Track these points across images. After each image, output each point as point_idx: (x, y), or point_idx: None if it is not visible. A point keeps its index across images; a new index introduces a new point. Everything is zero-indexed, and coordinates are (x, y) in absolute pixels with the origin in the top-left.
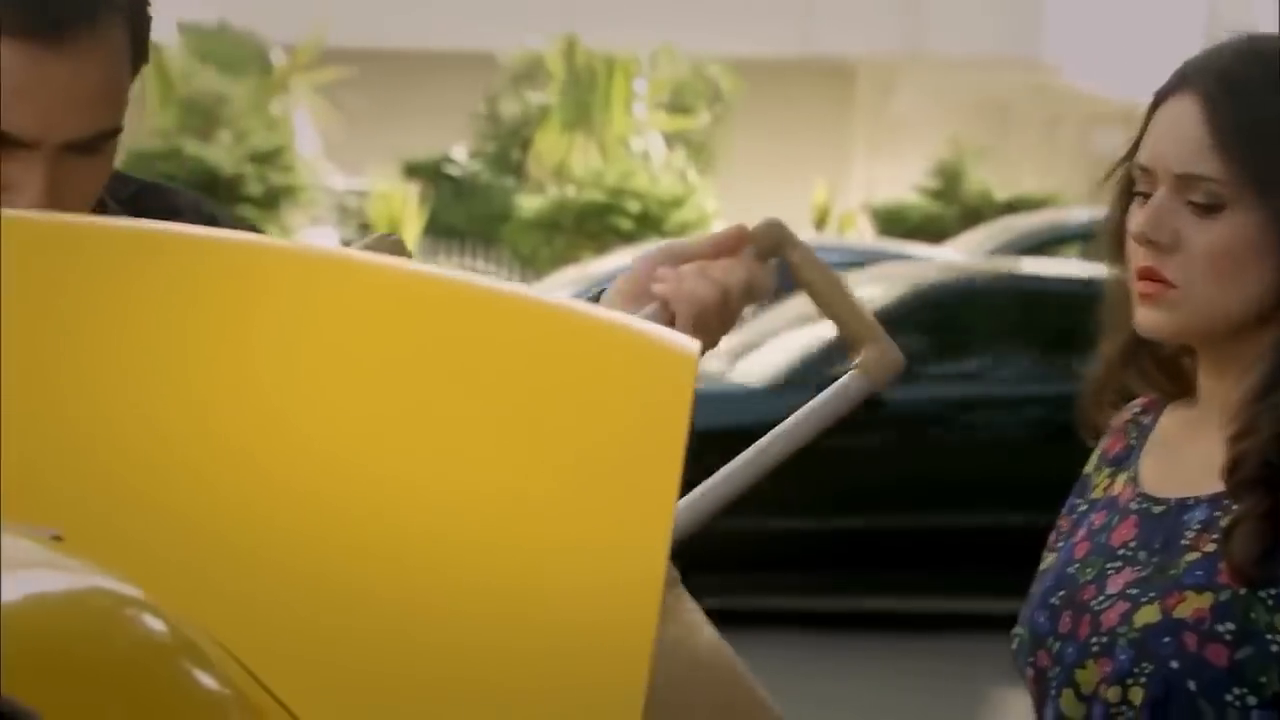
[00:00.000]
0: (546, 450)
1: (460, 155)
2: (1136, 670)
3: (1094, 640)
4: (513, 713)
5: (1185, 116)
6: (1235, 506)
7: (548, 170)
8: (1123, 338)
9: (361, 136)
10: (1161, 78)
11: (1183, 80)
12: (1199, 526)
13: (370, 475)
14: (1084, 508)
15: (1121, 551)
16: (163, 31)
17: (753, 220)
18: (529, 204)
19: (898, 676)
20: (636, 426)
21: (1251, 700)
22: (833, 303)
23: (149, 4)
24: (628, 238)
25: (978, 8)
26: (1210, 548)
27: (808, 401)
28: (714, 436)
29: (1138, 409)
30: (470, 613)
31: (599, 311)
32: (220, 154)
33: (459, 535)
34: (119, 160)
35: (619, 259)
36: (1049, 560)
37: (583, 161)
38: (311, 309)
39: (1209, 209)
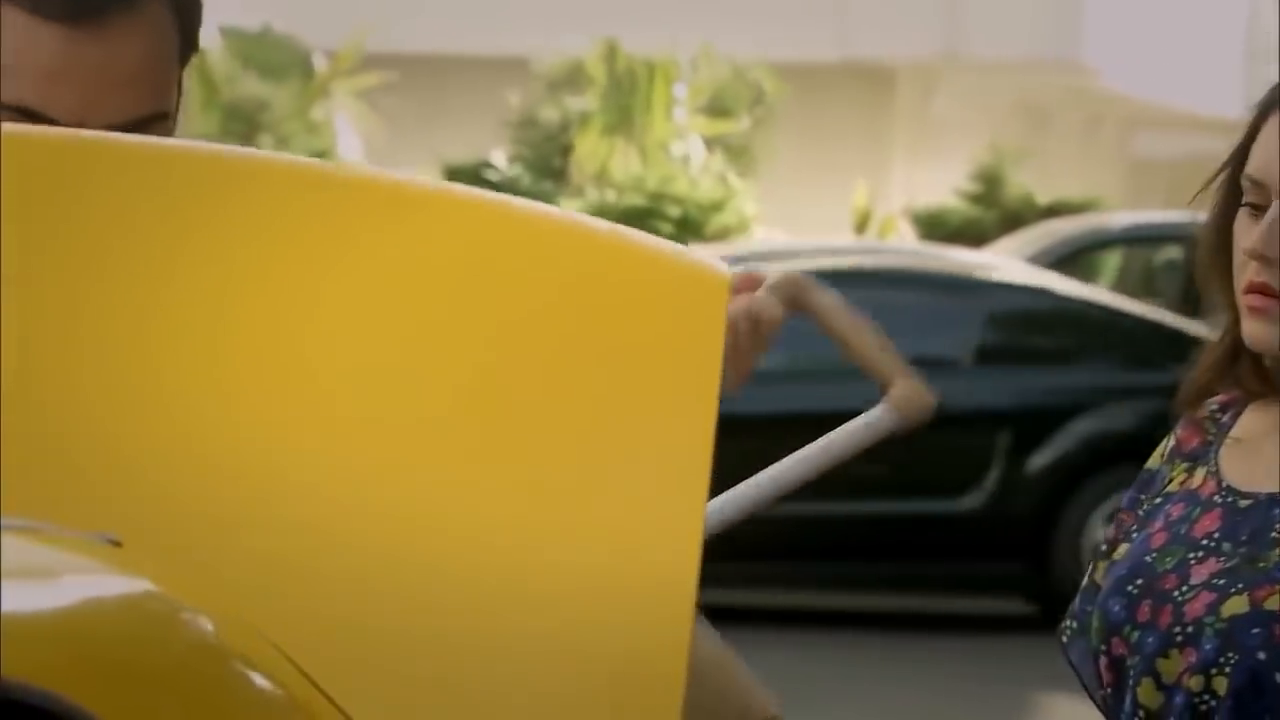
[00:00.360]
0: (581, 374)
1: (499, 160)
2: (1222, 660)
3: (1177, 630)
4: (557, 693)
5: None
6: None
7: (588, 175)
8: (1225, 343)
9: (402, 141)
10: (1201, 80)
11: None
12: None
13: (405, 426)
14: (1158, 500)
15: (1205, 542)
16: (205, 36)
17: (793, 224)
18: (569, 208)
19: (921, 678)
20: (670, 349)
21: None
22: (859, 347)
23: None
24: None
25: (1016, 11)
26: None
27: None
28: None
29: (1215, 407)
30: (509, 597)
31: (630, 232)
32: None
33: (494, 491)
34: None
35: None
36: (1120, 550)
37: (623, 166)
38: (324, 227)
39: None
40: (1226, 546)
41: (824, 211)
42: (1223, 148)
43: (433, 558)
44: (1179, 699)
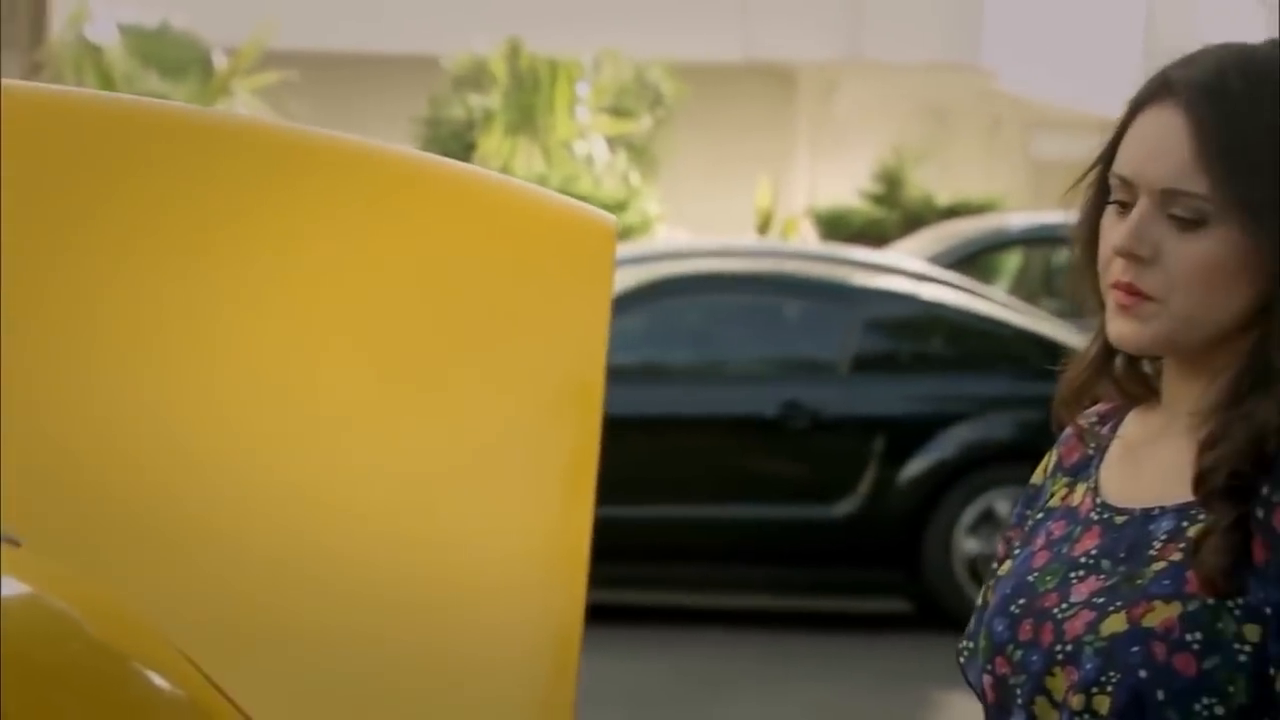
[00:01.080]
0: (476, 323)
1: None
2: (1103, 679)
3: (1059, 648)
4: (455, 684)
5: (1170, 130)
6: (1204, 517)
7: None
8: (1099, 343)
9: None
10: (1099, 83)
11: (1165, 89)
12: (1165, 536)
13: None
14: (1040, 516)
15: (1084, 560)
16: (104, 33)
17: (697, 224)
18: None
19: (823, 673)
20: (561, 295)
21: (1219, 710)
22: None
23: None
24: None
25: (918, 14)
26: (1177, 557)
27: None
28: None
29: (1094, 419)
30: (409, 590)
31: (520, 183)
32: None
33: (392, 457)
34: None
35: None
36: (1004, 568)
37: (526, 165)
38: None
39: (1192, 224)
40: (1106, 564)
41: (728, 211)
42: None
43: (330, 538)
44: (1065, 717)
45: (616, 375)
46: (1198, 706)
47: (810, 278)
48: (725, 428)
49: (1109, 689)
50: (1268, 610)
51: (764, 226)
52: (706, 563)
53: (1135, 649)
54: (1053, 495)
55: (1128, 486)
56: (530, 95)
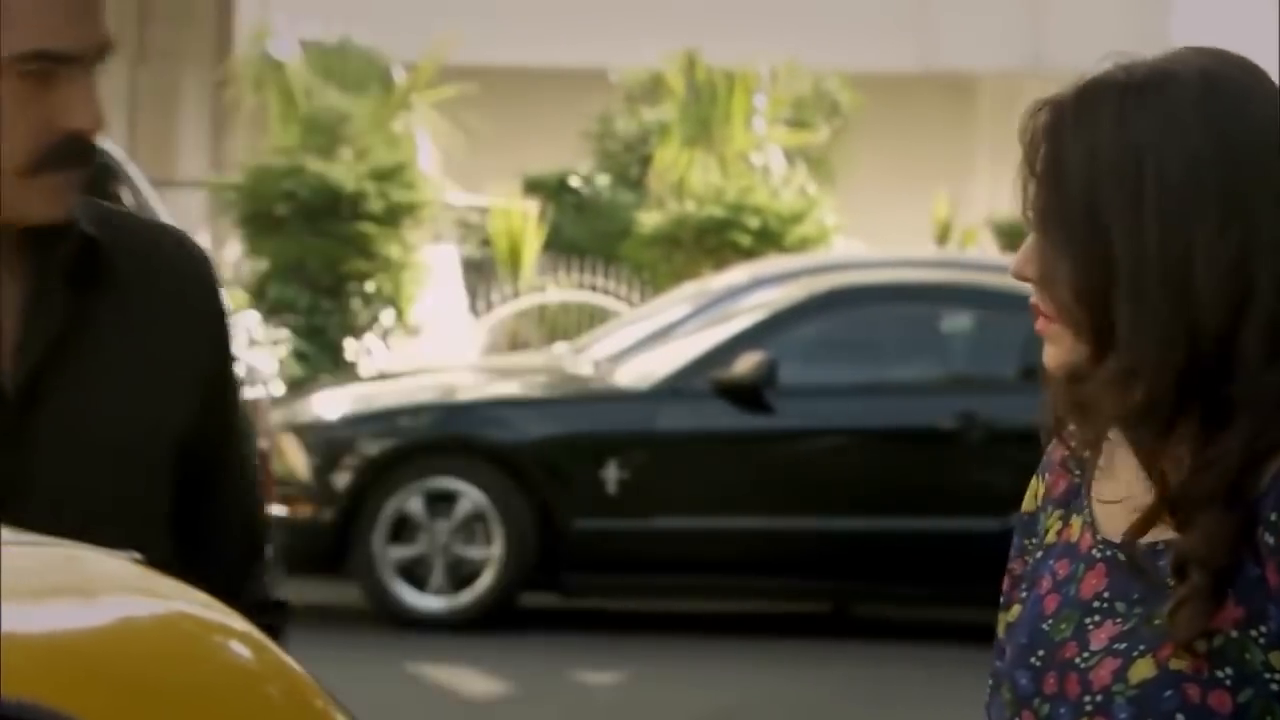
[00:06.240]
0: None
1: (581, 171)
2: None
3: (1087, 699)
4: None
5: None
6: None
7: (667, 186)
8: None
9: (482, 153)
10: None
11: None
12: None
13: None
14: (1040, 554)
15: (1096, 604)
16: (286, 49)
17: (874, 236)
18: (648, 220)
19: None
20: None
21: None
22: None
23: None
24: (747, 253)
25: (1101, 20)
26: None
27: (689, 407)
28: (596, 441)
29: (1076, 439)
30: None
31: None
32: (342, 171)
33: None
34: (242, 176)
35: (737, 274)
36: (1014, 611)
37: (703, 177)
38: None
39: None
40: (1120, 606)
41: (906, 222)
42: None
43: None
44: None
45: (790, 387)
46: None
47: (980, 288)
48: (899, 439)
49: None
50: None
51: (942, 237)
52: (875, 576)
53: (1169, 693)
54: (1048, 530)
55: (1120, 519)
56: (707, 107)
